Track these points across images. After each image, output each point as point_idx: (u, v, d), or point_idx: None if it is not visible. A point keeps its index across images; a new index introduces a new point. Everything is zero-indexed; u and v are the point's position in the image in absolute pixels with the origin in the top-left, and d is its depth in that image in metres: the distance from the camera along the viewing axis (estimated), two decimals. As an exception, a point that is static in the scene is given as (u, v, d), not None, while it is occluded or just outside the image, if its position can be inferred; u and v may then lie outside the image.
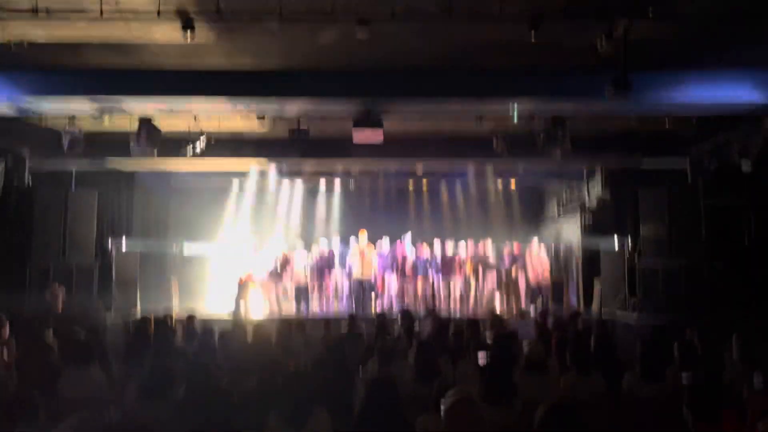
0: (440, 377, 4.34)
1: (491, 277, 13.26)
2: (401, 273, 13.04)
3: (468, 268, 13.22)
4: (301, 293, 13.01)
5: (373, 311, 12.05)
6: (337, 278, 13.13)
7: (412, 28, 7.23)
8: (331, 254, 13.19)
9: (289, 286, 13.02)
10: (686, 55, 8.12)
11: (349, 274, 12.91)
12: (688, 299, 10.81)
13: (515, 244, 13.40)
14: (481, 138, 11.24)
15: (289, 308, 12.76)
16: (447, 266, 13.12)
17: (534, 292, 12.94)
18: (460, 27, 7.19)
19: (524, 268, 13.07)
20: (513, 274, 13.11)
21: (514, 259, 13.17)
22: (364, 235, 13.00)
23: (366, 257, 12.77)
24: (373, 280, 12.90)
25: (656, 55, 8.10)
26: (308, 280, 13.08)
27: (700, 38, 7.59)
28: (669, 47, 7.87)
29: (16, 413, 3.68)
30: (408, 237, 13.78)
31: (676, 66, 8.44)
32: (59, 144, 9.94)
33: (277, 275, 12.96)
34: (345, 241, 13.39)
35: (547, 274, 13.05)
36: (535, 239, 13.46)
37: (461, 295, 13.19)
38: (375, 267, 12.88)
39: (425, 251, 13.27)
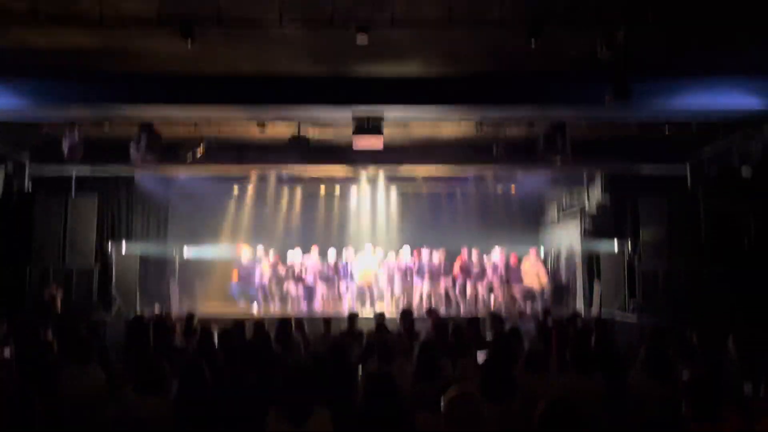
0: (442, 376, 4.34)
1: (486, 282, 13.35)
2: (402, 279, 13.20)
3: (458, 273, 13.32)
4: (304, 296, 13.12)
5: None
6: (340, 283, 13.18)
7: (412, 34, 7.26)
8: (334, 261, 13.23)
9: (291, 289, 13.07)
10: (686, 61, 8.16)
11: (352, 280, 13.10)
12: (687, 302, 10.82)
13: (512, 255, 13.52)
14: (481, 144, 11.27)
15: (292, 309, 12.81)
16: (441, 271, 13.25)
17: (528, 296, 13.06)
18: (460, 33, 7.21)
19: (519, 274, 13.19)
20: (508, 280, 13.29)
21: (508, 266, 13.35)
22: (367, 243, 13.40)
23: (368, 264, 13.09)
24: (374, 286, 13.12)
25: (656, 62, 8.14)
26: (312, 284, 13.14)
27: (699, 44, 7.63)
28: (669, 54, 7.90)
29: (16, 411, 3.67)
30: (409, 243, 13.91)
31: (675, 72, 8.48)
32: (59, 149, 9.97)
33: (279, 279, 13.01)
34: (346, 248, 13.53)
35: (544, 280, 13.11)
36: (533, 249, 13.56)
37: (459, 299, 13.27)
38: (376, 273, 13.15)
39: (424, 257, 13.36)
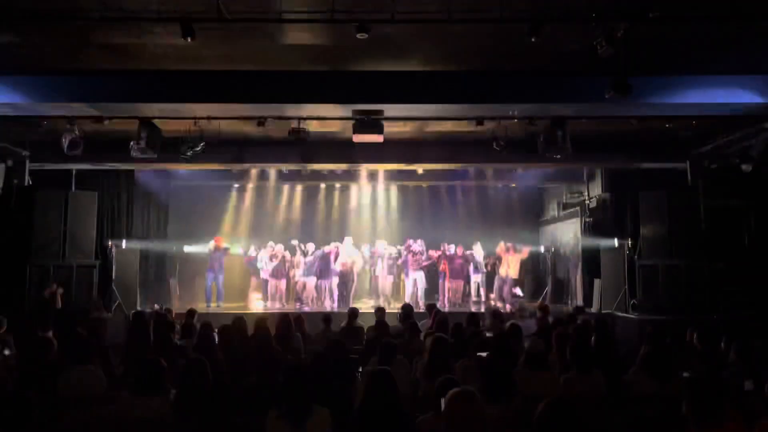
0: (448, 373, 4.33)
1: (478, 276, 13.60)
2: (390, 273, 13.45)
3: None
4: (300, 291, 13.23)
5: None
6: (330, 277, 13.27)
7: (412, 30, 7.22)
8: (327, 255, 13.27)
9: (286, 284, 13.14)
10: (686, 57, 8.13)
11: (337, 273, 13.26)
12: (687, 299, 10.84)
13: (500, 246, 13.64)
14: (482, 140, 11.25)
15: (289, 305, 12.86)
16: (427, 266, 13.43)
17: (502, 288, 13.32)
18: (460, 30, 7.18)
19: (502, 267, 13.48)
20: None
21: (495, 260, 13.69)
22: (349, 239, 13.53)
23: (350, 257, 13.27)
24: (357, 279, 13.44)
25: (656, 58, 8.11)
26: (306, 279, 13.19)
27: (699, 41, 7.60)
28: (669, 50, 7.88)
29: (16, 410, 3.66)
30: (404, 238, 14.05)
31: (675, 69, 8.45)
32: (59, 145, 9.95)
33: (276, 274, 13.05)
34: (338, 242, 13.63)
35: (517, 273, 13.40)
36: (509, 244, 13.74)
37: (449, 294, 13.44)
38: (359, 267, 13.37)
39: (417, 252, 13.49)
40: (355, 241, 13.99)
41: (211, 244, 13.13)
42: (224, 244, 13.14)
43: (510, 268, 13.31)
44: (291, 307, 12.77)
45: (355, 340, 6.84)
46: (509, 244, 13.62)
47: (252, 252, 13.52)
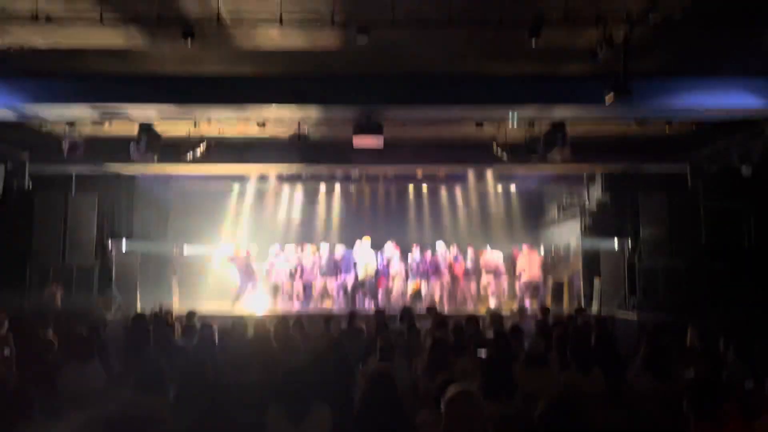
0: (448, 373, 4.33)
1: (484, 278, 13.46)
2: (399, 275, 13.36)
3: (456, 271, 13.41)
4: (318, 291, 13.24)
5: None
6: (340, 280, 13.24)
7: (412, 34, 7.24)
8: (334, 257, 13.27)
9: (298, 286, 13.16)
10: (686, 60, 8.15)
11: (354, 276, 13.16)
12: (687, 300, 10.83)
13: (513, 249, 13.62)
14: (482, 143, 11.28)
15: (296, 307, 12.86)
16: (436, 269, 13.36)
17: (525, 290, 13.18)
18: (460, 33, 7.20)
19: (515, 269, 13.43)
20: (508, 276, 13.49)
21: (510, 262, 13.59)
22: (367, 240, 13.37)
23: (367, 260, 13.12)
24: (372, 282, 13.23)
25: (656, 61, 8.13)
26: (315, 281, 13.21)
27: (699, 44, 7.63)
28: (668, 53, 7.90)
29: (16, 409, 3.67)
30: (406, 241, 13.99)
31: (675, 72, 8.47)
32: (59, 148, 9.96)
33: (288, 276, 13.07)
34: (348, 245, 13.53)
35: (539, 272, 13.24)
36: (525, 245, 13.66)
37: (453, 296, 13.37)
38: (373, 269, 13.21)
39: (417, 255, 13.47)
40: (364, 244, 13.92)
41: (229, 252, 13.13)
42: (242, 251, 13.13)
43: (530, 269, 13.23)
44: (299, 306, 12.77)
45: (356, 341, 6.83)
46: (525, 245, 13.58)
47: (273, 253, 13.52)
